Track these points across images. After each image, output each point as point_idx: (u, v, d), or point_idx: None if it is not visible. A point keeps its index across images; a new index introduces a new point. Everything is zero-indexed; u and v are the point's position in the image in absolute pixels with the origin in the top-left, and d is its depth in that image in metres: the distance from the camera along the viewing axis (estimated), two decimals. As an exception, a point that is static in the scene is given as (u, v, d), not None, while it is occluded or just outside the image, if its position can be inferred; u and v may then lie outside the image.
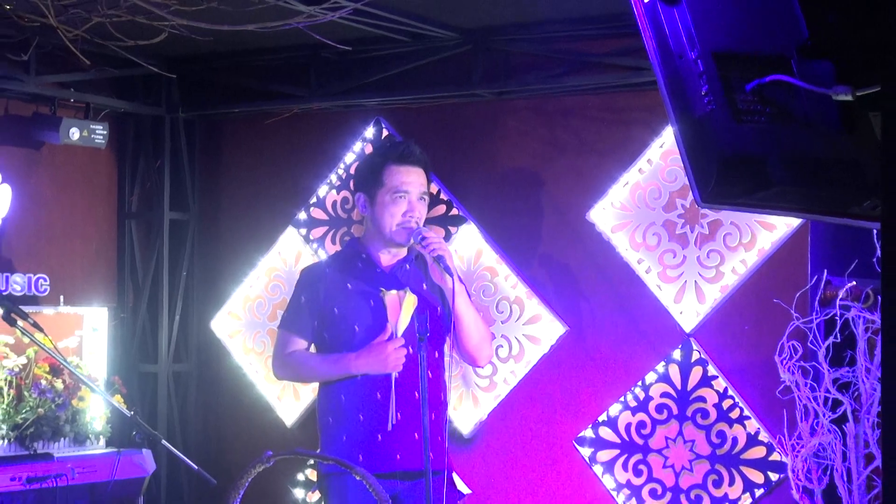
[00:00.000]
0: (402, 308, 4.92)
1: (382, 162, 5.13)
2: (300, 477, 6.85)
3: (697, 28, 3.15)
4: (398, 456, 5.02)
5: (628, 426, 6.22)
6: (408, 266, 5.15)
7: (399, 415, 5.03)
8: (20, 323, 5.33)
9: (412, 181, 5.08)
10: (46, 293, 6.55)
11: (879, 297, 5.38)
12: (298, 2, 5.08)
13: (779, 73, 3.11)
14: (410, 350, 5.00)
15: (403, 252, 5.13)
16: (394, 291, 4.90)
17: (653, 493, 6.15)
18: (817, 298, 5.78)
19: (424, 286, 5.08)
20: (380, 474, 4.94)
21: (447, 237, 6.50)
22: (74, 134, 6.43)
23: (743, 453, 5.98)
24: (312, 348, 5.20)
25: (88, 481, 5.09)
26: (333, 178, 6.88)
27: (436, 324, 5.12)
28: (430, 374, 5.12)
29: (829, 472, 5.70)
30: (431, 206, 6.52)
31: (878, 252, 5.13)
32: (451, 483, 5.23)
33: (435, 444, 5.10)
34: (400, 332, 4.91)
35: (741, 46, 3.16)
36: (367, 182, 5.13)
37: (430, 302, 5.10)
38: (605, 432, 6.26)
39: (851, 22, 3.15)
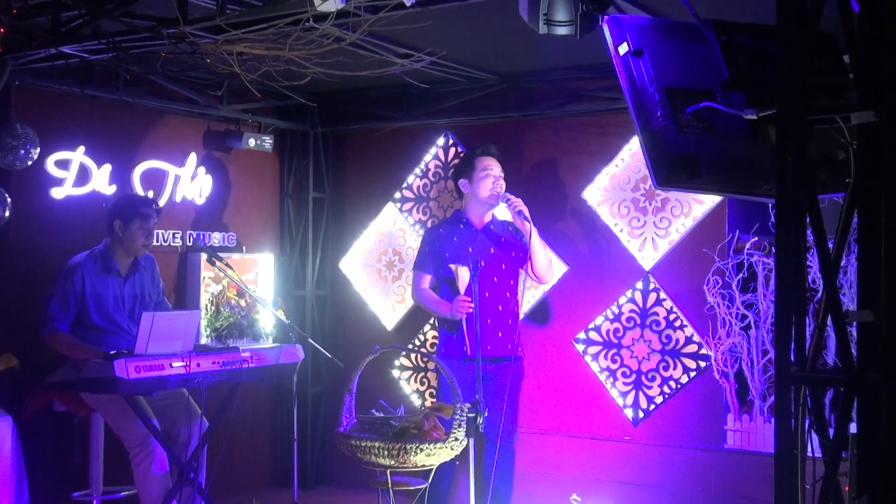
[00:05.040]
0: (460, 277, 5.09)
1: (474, 155, 5.29)
2: (396, 363, 6.89)
3: (655, 72, 3.12)
4: (489, 346, 5.09)
5: (608, 331, 6.19)
6: (492, 226, 5.30)
7: (489, 320, 5.09)
8: (217, 263, 5.40)
9: (494, 165, 5.25)
10: (234, 245, 6.62)
11: (773, 248, 5.33)
12: (395, 56, 5.06)
13: (708, 101, 3.07)
14: (496, 279, 5.10)
15: (489, 217, 5.26)
16: (455, 266, 5.11)
17: (623, 374, 6.13)
18: (732, 248, 5.75)
19: (503, 239, 5.17)
20: (477, 359, 5.00)
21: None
22: (251, 142, 6.47)
23: (682, 349, 5.94)
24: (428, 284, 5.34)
25: (261, 365, 5.13)
26: (418, 170, 6.88)
27: (512, 261, 5.23)
28: (507, 295, 5.20)
29: (738, 361, 5.68)
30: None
31: (773, 218, 5.07)
32: (521, 364, 5.29)
33: (511, 340, 5.16)
34: (462, 291, 5.06)
35: (684, 83, 3.12)
36: (465, 170, 5.30)
37: (510, 245, 5.21)
38: (593, 335, 6.24)
39: (755, 68, 3.10)
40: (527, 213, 5.11)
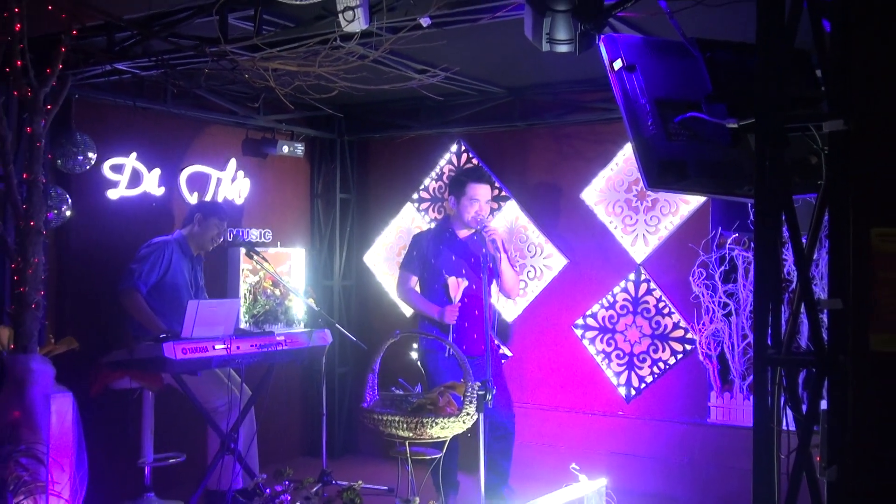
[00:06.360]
0: (459, 288, 5.04)
1: (466, 180, 5.25)
2: (414, 346, 6.90)
3: (647, 85, 3.12)
4: (464, 346, 5.08)
5: (604, 317, 6.19)
6: (475, 237, 5.26)
7: (466, 323, 5.08)
8: (255, 257, 5.42)
9: (482, 193, 5.20)
10: (270, 240, 6.63)
11: (752, 243, 5.31)
12: (413, 72, 5.06)
13: (694, 112, 3.07)
14: (474, 287, 5.09)
15: (472, 231, 5.23)
16: (454, 278, 5.11)
17: (618, 356, 6.13)
18: (715, 243, 5.73)
19: (484, 250, 5.15)
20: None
21: (499, 208, 6.49)
22: (285, 149, 6.48)
23: (670, 333, 5.94)
24: (417, 286, 5.32)
25: (294, 347, 5.16)
26: (433, 174, 6.88)
27: (489, 271, 5.20)
28: (484, 300, 5.18)
29: (720, 345, 5.67)
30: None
31: (752, 216, 5.06)
32: (498, 354, 5.28)
33: (487, 338, 5.16)
34: (456, 300, 5.03)
35: (672, 95, 3.12)
36: (456, 190, 5.26)
37: (487, 260, 5.18)
38: (591, 321, 6.23)
39: (736, 82, 3.10)
40: (500, 244, 5.11)
